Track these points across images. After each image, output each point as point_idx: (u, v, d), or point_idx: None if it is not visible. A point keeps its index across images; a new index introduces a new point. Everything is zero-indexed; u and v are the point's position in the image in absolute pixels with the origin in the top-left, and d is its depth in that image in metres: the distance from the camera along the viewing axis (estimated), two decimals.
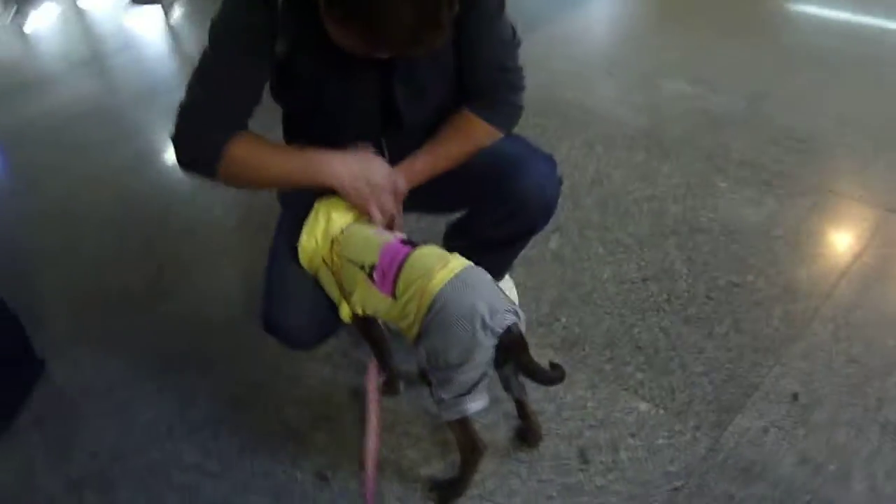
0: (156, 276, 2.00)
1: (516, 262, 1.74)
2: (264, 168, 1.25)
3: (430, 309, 1.14)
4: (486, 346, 1.12)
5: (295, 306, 1.39)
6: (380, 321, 1.41)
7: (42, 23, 4.30)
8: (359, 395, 1.53)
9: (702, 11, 3.07)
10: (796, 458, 1.34)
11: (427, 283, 1.15)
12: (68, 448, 1.55)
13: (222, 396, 1.61)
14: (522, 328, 1.16)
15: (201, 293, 1.91)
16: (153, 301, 1.91)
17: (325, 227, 1.29)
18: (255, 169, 1.25)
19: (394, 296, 1.19)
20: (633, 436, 1.42)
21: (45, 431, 1.59)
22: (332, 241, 1.28)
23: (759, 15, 3.05)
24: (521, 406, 1.40)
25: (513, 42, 1.31)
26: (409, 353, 1.28)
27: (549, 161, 1.40)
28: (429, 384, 1.22)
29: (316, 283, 1.34)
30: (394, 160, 1.34)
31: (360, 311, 1.29)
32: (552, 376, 1.20)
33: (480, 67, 1.29)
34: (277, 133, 1.40)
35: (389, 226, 1.32)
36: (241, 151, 1.22)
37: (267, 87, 1.26)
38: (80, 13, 4.36)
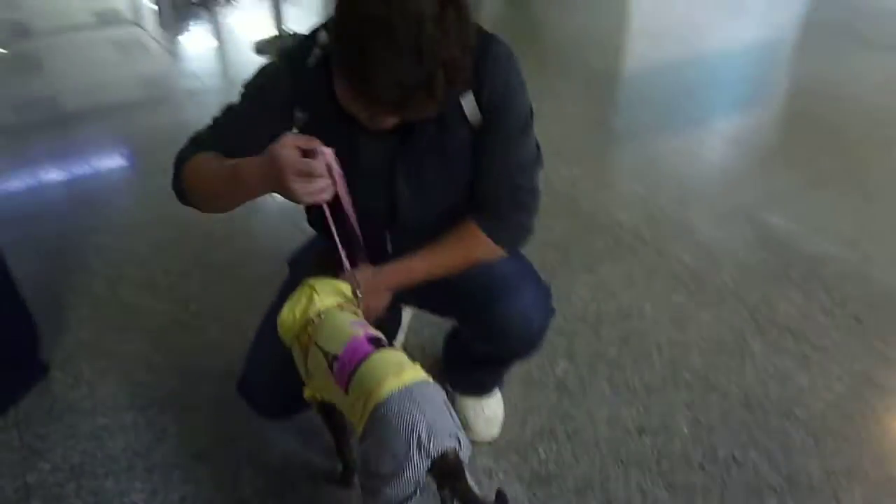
0: (181, 308, 2.07)
1: (517, 378, 1.70)
2: (213, 170, 1.20)
3: (371, 415, 1.12)
4: (418, 467, 1.08)
5: (267, 375, 1.40)
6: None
7: (195, 41, 4.76)
8: (314, 478, 1.52)
9: (805, 156, 2.96)
10: None
11: (375, 389, 1.13)
12: (35, 455, 1.60)
13: (189, 444, 1.63)
14: (464, 455, 1.11)
15: (212, 338, 1.96)
16: (166, 334, 1.97)
17: (305, 305, 1.29)
18: (206, 172, 1.22)
19: (346, 392, 1.18)
20: None
21: (21, 434, 1.66)
22: (308, 322, 1.28)
23: (867, 167, 2.90)
24: None
25: (533, 162, 1.30)
26: None
27: (542, 290, 1.36)
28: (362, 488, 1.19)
29: (291, 357, 1.35)
30: (396, 253, 1.35)
31: (317, 397, 1.28)
32: None
33: (492, 181, 1.28)
34: None
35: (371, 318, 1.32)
36: (197, 160, 1.23)
37: None
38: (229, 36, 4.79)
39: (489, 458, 1.58)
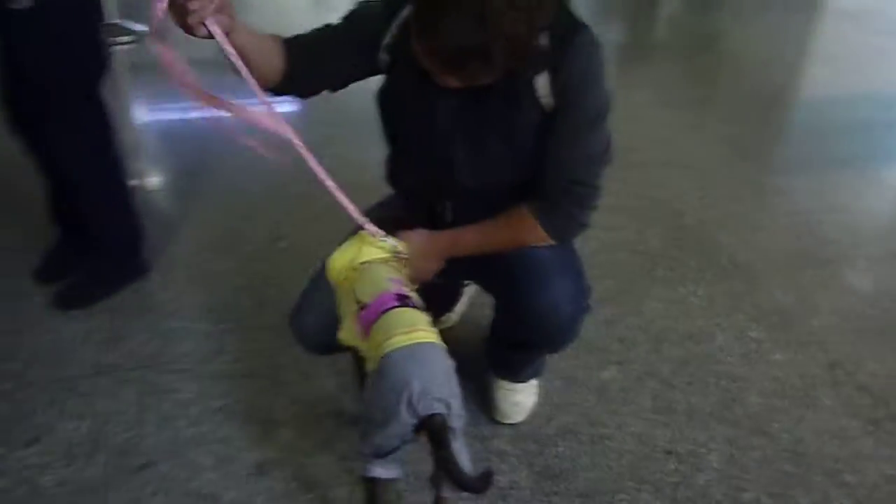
0: (272, 242, 2.24)
1: (560, 372, 1.70)
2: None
3: (377, 365, 1.18)
4: (404, 423, 1.13)
5: (314, 313, 1.49)
6: None
7: None
8: (339, 419, 1.62)
9: None
10: None
11: (384, 341, 1.18)
12: (116, 340, 1.82)
13: (241, 363, 1.77)
14: (454, 423, 1.15)
15: (292, 273, 2.03)
16: (253, 263, 2.14)
17: (353, 253, 1.37)
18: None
19: (365, 340, 1.24)
20: None
21: (112, 319, 1.89)
22: (353, 269, 1.36)
23: None
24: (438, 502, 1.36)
25: (598, 158, 1.29)
26: None
27: (579, 286, 1.36)
28: None
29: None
30: (455, 223, 1.39)
31: (344, 340, 1.36)
32: (467, 481, 1.16)
33: (552, 170, 1.28)
34: None
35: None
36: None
37: None
38: None
39: (507, 441, 1.59)
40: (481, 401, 1.67)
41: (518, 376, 1.63)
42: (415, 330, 1.20)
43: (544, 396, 1.70)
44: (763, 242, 2.38)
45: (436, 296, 1.49)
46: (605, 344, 1.88)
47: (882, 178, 2.99)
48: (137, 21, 3.86)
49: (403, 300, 1.27)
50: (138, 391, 1.67)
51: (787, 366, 1.85)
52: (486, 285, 1.52)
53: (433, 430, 1.13)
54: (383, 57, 1.28)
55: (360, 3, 1.30)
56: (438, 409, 1.13)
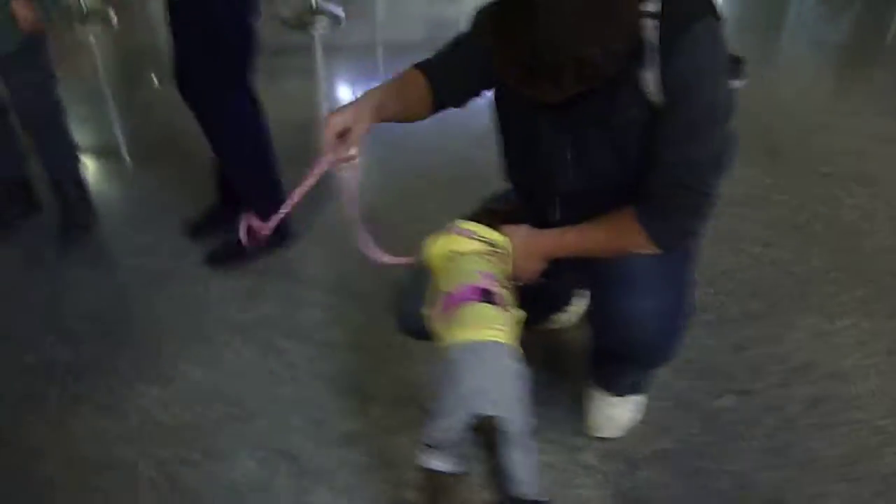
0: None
1: (673, 392, 1.65)
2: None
3: (443, 355, 1.19)
4: (457, 419, 1.13)
5: (414, 294, 1.52)
6: None
7: None
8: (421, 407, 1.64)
9: None
10: None
11: (455, 333, 1.19)
12: (251, 298, 1.98)
13: (346, 336, 1.86)
14: (509, 428, 1.12)
15: None
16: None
17: (448, 242, 1.37)
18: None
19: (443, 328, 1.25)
20: None
21: (259, 278, 2.06)
22: (449, 256, 1.36)
23: None
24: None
25: (710, 162, 1.16)
26: None
27: (677, 305, 1.27)
28: None
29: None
30: (563, 221, 1.35)
31: (425, 322, 1.37)
32: (515, 492, 1.13)
33: (659, 172, 1.18)
34: None
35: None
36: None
37: None
38: None
39: (596, 456, 1.53)
40: (578, 410, 1.60)
41: (614, 389, 1.54)
42: (487, 327, 1.19)
43: (648, 415, 1.60)
44: None
45: (543, 295, 1.46)
46: (731, 370, 1.72)
47: None
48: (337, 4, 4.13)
49: (487, 295, 1.25)
50: (259, 350, 1.82)
51: None
52: (586, 289, 1.45)
53: (485, 430, 1.12)
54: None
55: (480, 10, 1.29)
56: (492, 411, 1.11)
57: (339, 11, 4.14)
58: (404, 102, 1.33)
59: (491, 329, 1.19)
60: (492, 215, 1.43)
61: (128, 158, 2.85)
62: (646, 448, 1.54)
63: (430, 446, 1.20)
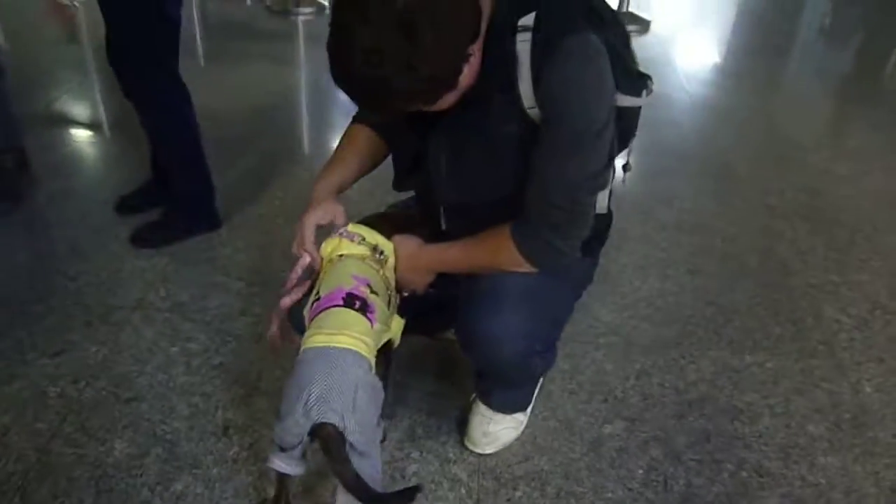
0: None
1: (562, 415, 1.63)
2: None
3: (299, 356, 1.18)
4: (299, 423, 1.12)
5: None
6: None
7: None
8: None
9: None
10: None
11: (311, 336, 1.18)
12: (164, 283, 1.97)
13: (248, 335, 1.84)
14: (352, 437, 1.11)
15: None
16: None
17: (335, 245, 1.36)
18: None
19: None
20: None
21: (173, 262, 2.06)
22: (329, 260, 1.35)
23: None
24: None
25: (583, 181, 1.14)
26: None
27: (536, 326, 1.26)
28: None
29: None
30: (450, 233, 1.33)
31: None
32: (363, 493, 1.12)
33: (531, 187, 1.16)
34: None
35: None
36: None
37: None
38: None
39: (466, 470, 1.50)
40: (464, 422, 1.58)
41: (493, 405, 1.52)
42: (340, 333, 1.18)
43: (531, 434, 1.58)
44: (877, 325, 2.01)
45: (444, 304, 1.44)
46: (625, 396, 1.70)
47: None
48: None
49: (350, 300, 1.24)
50: (159, 332, 1.81)
51: (835, 475, 1.54)
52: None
53: (325, 439, 1.11)
54: None
55: None
56: (332, 419, 1.10)
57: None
58: (360, 162, 1.39)
59: (347, 336, 1.17)
60: (387, 221, 1.42)
61: (106, 125, 2.89)
62: (520, 467, 1.52)
63: (277, 446, 1.20)
